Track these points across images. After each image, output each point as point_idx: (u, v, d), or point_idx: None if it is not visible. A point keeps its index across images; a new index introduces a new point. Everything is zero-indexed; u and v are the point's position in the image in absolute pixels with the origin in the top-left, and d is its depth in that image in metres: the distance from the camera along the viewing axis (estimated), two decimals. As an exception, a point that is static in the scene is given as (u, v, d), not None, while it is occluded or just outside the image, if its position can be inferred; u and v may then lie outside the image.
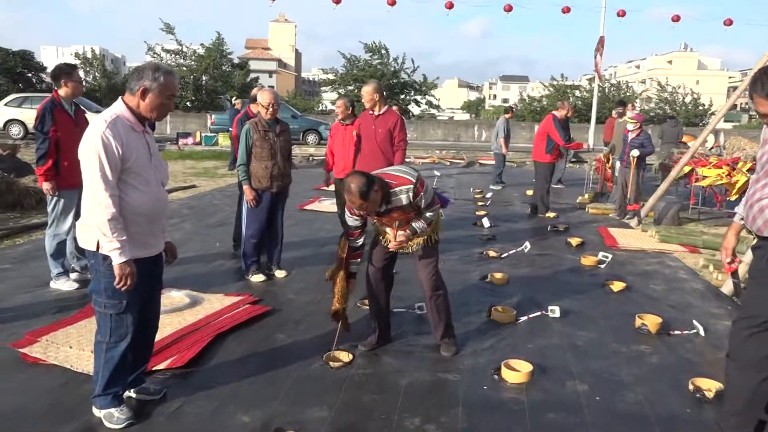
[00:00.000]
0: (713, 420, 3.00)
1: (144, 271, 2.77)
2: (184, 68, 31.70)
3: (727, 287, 5.15)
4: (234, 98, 10.67)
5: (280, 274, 5.35)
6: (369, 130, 5.66)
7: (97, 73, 36.14)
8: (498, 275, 5.39)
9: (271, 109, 5.07)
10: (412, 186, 3.45)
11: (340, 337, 3.75)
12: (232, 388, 3.24)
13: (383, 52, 32.01)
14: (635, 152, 8.46)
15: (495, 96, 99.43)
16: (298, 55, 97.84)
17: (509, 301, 4.77)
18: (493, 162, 14.05)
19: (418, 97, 33.86)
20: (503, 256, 6.28)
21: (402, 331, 4.12)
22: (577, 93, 35.76)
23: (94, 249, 2.68)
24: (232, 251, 6.09)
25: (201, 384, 3.27)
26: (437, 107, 37.08)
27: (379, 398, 3.18)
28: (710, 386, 3.28)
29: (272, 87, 5.70)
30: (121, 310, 2.77)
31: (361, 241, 3.74)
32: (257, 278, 5.19)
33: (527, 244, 6.50)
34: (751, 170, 8.98)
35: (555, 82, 36.66)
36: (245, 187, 5.14)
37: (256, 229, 5.21)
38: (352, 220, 3.63)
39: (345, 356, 3.64)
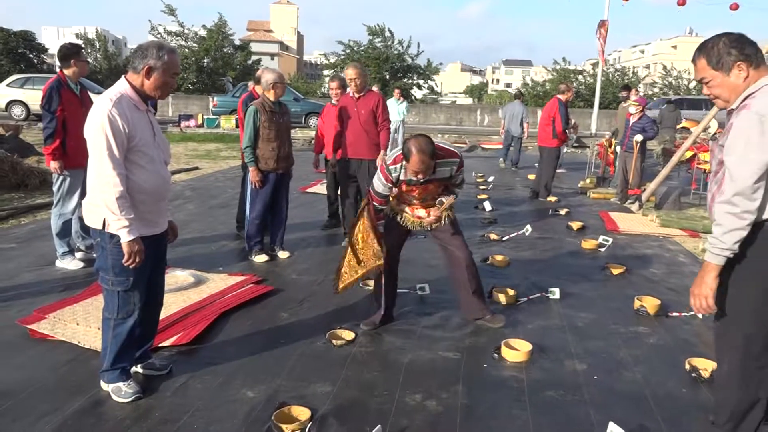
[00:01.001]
0: (708, 399, 3.06)
1: (150, 248, 2.82)
2: (186, 50, 31.54)
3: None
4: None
5: (283, 255, 5.40)
6: (351, 112, 5.68)
7: (98, 55, 36.00)
8: (499, 257, 5.44)
9: (281, 87, 5.11)
10: (458, 160, 3.61)
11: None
12: (236, 364, 3.31)
13: (387, 34, 31.83)
14: (638, 137, 8.46)
15: (498, 80, 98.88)
16: (300, 38, 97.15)
17: (510, 283, 4.82)
18: (495, 146, 14.09)
19: (421, 81, 33.73)
20: (504, 239, 6.32)
21: (404, 311, 4.17)
22: (580, 78, 35.55)
23: (101, 227, 2.72)
24: (236, 232, 6.13)
25: (206, 360, 3.34)
26: (438, 93, 37.02)
27: (381, 375, 3.24)
28: (706, 366, 3.33)
29: (276, 69, 5.67)
30: (128, 287, 2.82)
31: (384, 208, 3.79)
32: (260, 259, 5.24)
33: (528, 227, 6.54)
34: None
35: (558, 67, 36.44)
36: (252, 169, 5.14)
37: (260, 211, 5.25)
38: (384, 188, 3.63)
39: (347, 334, 3.70)
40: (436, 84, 35.27)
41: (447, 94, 67.05)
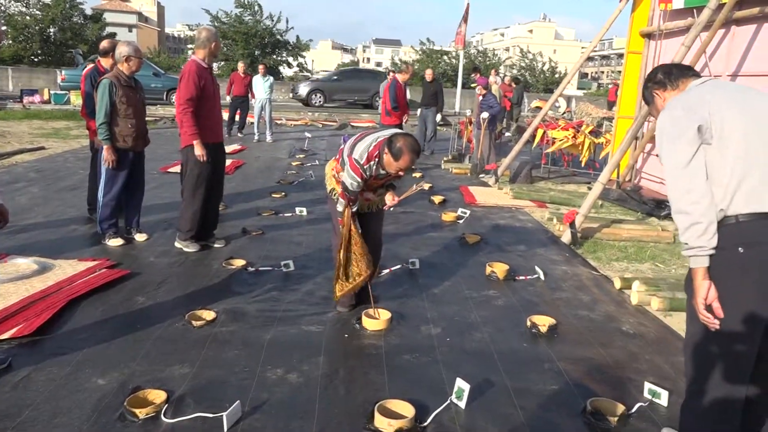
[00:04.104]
0: (545, 352, 3.40)
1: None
2: (28, 18, 28.56)
3: (566, 237, 5.73)
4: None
5: (140, 237, 5.15)
6: (213, 86, 4.91)
7: None
8: (363, 232, 5.58)
9: (135, 61, 4.82)
10: None
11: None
12: (86, 352, 3.14)
13: (256, 8, 30.85)
14: (484, 114, 9.12)
15: (368, 59, 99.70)
16: (160, 9, 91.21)
17: (373, 256, 4.97)
18: (365, 124, 14.29)
19: (291, 59, 33.18)
20: (370, 214, 6.48)
21: (267, 287, 4.18)
22: (446, 58, 36.87)
23: None
24: (87, 215, 5.74)
25: (52, 351, 3.13)
26: (309, 71, 36.68)
27: (243, 353, 3.23)
28: (544, 322, 3.69)
29: (132, 42, 5.19)
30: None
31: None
32: (115, 242, 4.96)
33: (393, 202, 6.75)
34: (593, 132, 9.90)
35: (425, 47, 37.51)
36: (107, 147, 4.81)
37: (116, 192, 4.96)
38: (358, 186, 3.54)
39: (208, 314, 3.64)
40: (306, 61, 34.87)
41: (318, 71, 66.48)
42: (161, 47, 58.91)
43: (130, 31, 67.35)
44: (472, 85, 11.66)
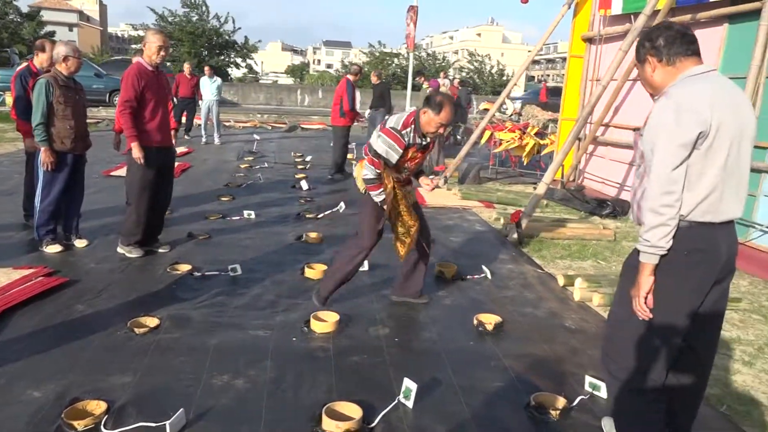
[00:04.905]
0: (491, 349, 3.46)
1: None
2: (-42, 15, 27.22)
3: (512, 236, 5.85)
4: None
5: (80, 243, 4.98)
6: (159, 90, 4.73)
7: None
8: (312, 234, 5.56)
9: (74, 62, 4.66)
10: None
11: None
12: (21, 365, 3.01)
13: (203, 8, 30.23)
14: None
15: (319, 61, 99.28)
16: (103, 8, 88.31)
17: (322, 258, 4.96)
18: (315, 126, 14.23)
19: (239, 60, 32.69)
20: (319, 216, 6.46)
21: (214, 293, 4.10)
22: (396, 60, 37.06)
23: None
24: (23, 221, 5.51)
25: (-17, 364, 3.00)
26: (258, 73, 36.20)
27: (187, 360, 3.16)
28: (490, 320, 3.76)
29: (73, 42, 5.00)
30: None
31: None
32: (53, 249, 4.78)
33: (342, 204, 6.75)
34: (539, 134, 10.14)
35: (374, 50, 37.62)
36: (44, 149, 4.62)
37: (54, 197, 4.78)
38: (396, 156, 3.53)
39: (151, 321, 3.55)
40: (255, 63, 34.42)
41: (268, 73, 65.84)
42: (104, 47, 57.15)
43: (71, 30, 64.94)
44: (424, 86, 11.85)
